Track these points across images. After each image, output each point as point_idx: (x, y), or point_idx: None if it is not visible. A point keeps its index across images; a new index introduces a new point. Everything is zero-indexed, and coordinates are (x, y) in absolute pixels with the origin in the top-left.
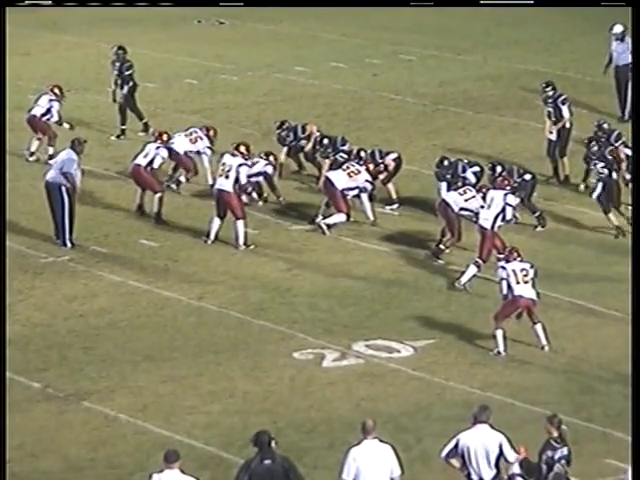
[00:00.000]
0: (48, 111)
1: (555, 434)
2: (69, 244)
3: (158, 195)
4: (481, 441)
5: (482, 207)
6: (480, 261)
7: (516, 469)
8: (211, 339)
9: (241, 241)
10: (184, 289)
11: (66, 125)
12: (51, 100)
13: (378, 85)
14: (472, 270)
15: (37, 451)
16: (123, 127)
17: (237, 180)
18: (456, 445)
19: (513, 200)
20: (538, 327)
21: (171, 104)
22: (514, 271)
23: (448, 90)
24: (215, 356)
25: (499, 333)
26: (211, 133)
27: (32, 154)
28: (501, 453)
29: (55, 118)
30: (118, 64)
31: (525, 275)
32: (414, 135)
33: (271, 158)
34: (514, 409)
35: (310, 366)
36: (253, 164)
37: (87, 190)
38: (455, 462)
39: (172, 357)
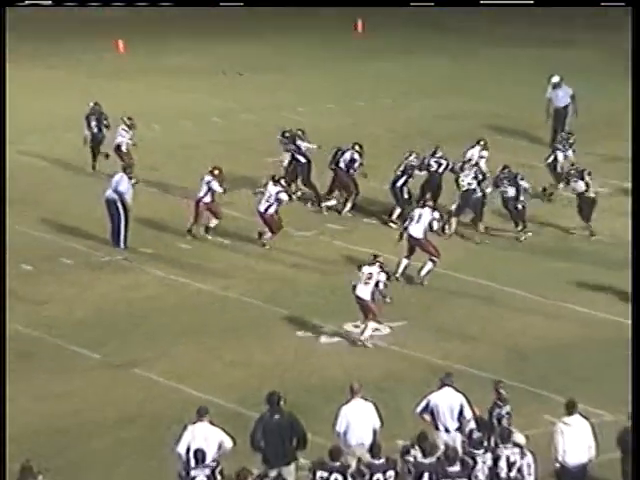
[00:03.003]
0: (121, 139)
1: (499, 395)
2: (123, 246)
3: (216, 221)
4: (447, 400)
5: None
6: (435, 258)
7: (472, 425)
8: (233, 320)
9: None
10: (212, 282)
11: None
12: (122, 129)
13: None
14: (429, 265)
15: (97, 406)
16: (95, 163)
17: (280, 202)
18: (427, 404)
19: (437, 214)
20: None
21: (202, 137)
22: (363, 274)
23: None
24: (236, 333)
25: (370, 325)
26: (216, 172)
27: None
28: (461, 411)
29: (124, 147)
30: (95, 116)
31: (368, 278)
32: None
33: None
34: (468, 375)
35: (310, 341)
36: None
37: (136, 204)
38: (426, 417)
39: (203, 334)
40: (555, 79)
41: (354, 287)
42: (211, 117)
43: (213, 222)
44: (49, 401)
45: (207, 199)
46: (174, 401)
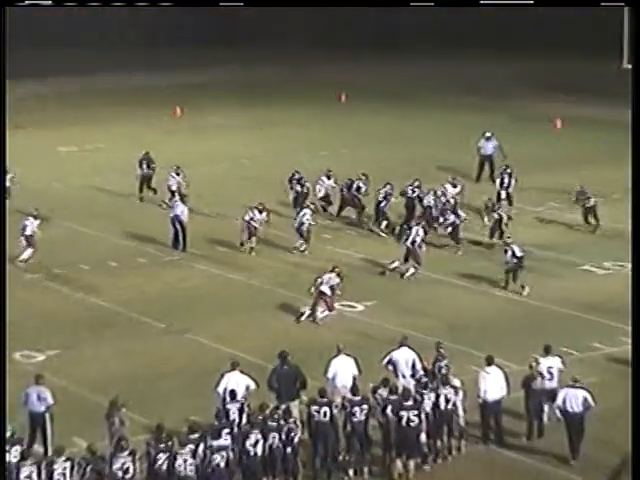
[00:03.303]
0: (170, 183)
1: (440, 352)
2: (182, 249)
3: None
4: (404, 356)
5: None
6: (417, 265)
7: (421, 373)
8: (255, 300)
9: (302, 248)
10: (240, 274)
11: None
12: (171, 175)
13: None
14: (412, 270)
15: (160, 361)
16: (154, 189)
17: (302, 223)
18: (390, 358)
19: (422, 232)
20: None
21: (234, 174)
22: (329, 278)
23: (384, 166)
24: (257, 309)
25: (325, 313)
26: (260, 207)
27: (165, 204)
28: (414, 363)
29: (174, 187)
30: (145, 161)
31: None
32: None
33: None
34: (418, 339)
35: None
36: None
37: (189, 221)
38: (389, 367)
39: (234, 311)
40: (488, 134)
41: (320, 283)
42: (240, 159)
43: (244, 236)
44: (125, 357)
45: (253, 223)
46: (214, 357)
